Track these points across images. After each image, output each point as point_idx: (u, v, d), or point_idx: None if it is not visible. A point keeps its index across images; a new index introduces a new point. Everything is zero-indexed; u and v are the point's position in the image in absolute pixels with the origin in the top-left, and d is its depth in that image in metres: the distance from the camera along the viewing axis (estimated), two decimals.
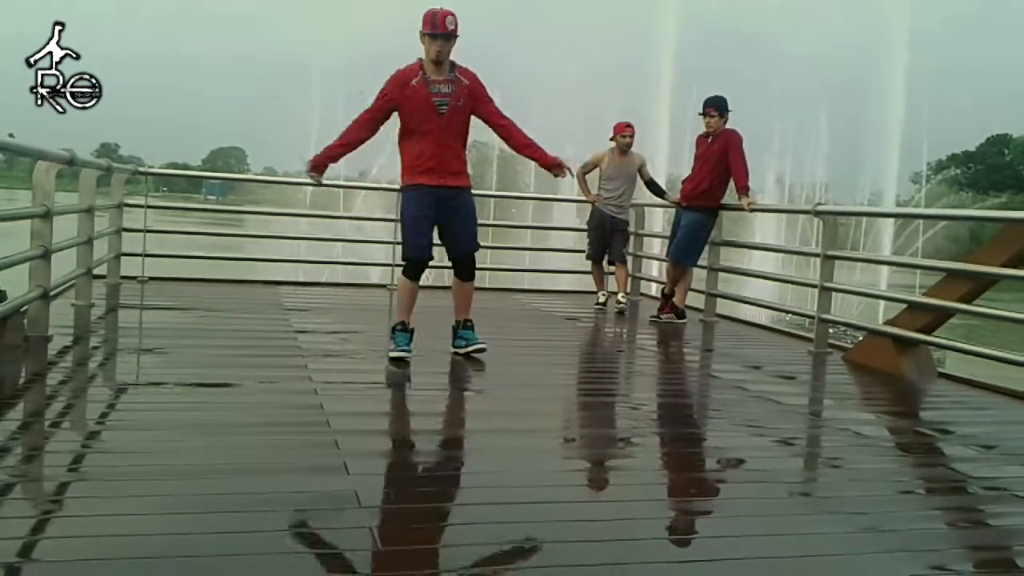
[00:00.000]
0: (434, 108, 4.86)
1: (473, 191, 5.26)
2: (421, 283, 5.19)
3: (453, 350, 5.21)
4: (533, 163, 5.42)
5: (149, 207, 7.92)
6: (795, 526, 2.83)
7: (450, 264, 5.25)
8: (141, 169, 8.21)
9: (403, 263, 5.16)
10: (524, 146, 5.16)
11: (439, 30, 4.76)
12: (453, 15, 4.81)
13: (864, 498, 3.10)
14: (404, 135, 5.05)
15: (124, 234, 7.48)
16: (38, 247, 4.84)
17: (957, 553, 2.74)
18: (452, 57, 4.95)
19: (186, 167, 70.18)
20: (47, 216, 4.87)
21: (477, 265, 5.24)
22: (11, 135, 4.86)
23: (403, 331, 5.01)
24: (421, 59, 4.94)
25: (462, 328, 5.23)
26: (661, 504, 3.07)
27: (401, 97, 4.90)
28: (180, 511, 2.55)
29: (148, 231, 7.70)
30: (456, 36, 4.86)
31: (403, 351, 4.94)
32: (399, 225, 5.42)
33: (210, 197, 60.74)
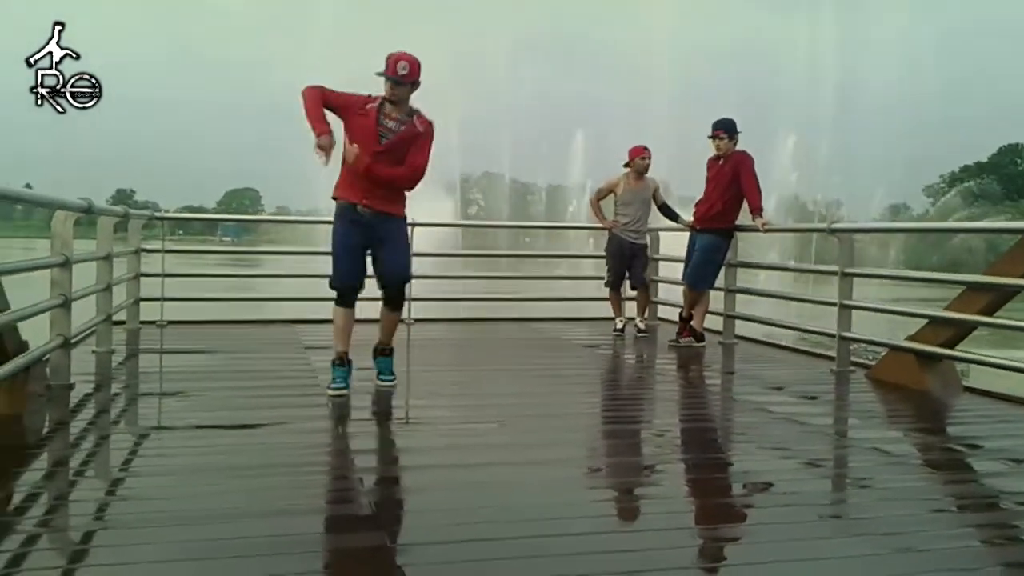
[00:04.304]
0: (375, 136, 4.90)
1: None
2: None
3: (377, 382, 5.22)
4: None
5: (167, 251, 7.98)
6: (827, 550, 2.79)
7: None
8: (157, 214, 8.31)
9: (334, 293, 5.09)
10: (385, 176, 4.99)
11: (389, 74, 4.84)
12: (407, 61, 4.85)
13: (896, 518, 3.05)
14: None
15: (142, 279, 7.54)
16: (58, 296, 4.88)
17: (995, 571, 2.69)
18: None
19: (201, 210, 71.03)
20: (66, 265, 4.92)
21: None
22: (28, 185, 4.91)
23: (340, 365, 5.00)
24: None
25: (379, 355, 5.26)
26: (690, 532, 3.03)
27: (352, 112, 4.92)
28: (206, 556, 2.54)
29: (166, 275, 7.75)
30: (411, 82, 4.88)
31: (339, 388, 4.91)
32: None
33: (225, 239, 61.27)
